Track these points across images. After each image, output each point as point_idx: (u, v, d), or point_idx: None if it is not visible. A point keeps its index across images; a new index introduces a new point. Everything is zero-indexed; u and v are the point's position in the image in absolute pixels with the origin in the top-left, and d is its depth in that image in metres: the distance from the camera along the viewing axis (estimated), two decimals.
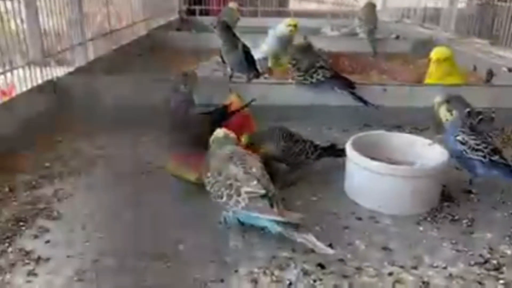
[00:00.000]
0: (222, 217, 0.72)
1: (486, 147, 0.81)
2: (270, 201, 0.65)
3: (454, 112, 0.85)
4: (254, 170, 0.69)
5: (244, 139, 0.86)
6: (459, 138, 0.83)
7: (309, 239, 0.63)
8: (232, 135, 0.78)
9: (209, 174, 0.72)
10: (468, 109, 0.85)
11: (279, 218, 0.64)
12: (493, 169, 0.82)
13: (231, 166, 0.69)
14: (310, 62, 1.20)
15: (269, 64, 1.69)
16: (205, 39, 2.18)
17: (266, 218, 0.65)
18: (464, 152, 0.82)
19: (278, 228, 0.65)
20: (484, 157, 0.81)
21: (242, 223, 0.70)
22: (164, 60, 1.98)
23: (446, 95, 0.88)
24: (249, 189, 0.66)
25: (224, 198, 0.68)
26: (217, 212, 0.75)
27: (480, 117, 0.91)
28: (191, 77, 1.07)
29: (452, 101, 0.86)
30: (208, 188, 0.72)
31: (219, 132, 0.78)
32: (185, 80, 1.06)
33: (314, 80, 1.19)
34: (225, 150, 0.73)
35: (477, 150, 0.81)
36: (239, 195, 0.66)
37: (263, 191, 0.66)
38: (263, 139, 0.87)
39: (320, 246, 0.63)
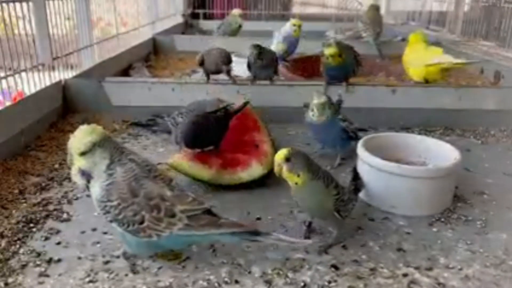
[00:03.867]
0: (123, 250, 0.63)
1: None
2: (212, 213, 0.59)
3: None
4: (175, 183, 0.61)
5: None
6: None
7: (277, 236, 0.58)
8: (100, 129, 0.61)
9: (112, 198, 0.57)
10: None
11: (238, 230, 0.58)
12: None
13: (149, 183, 0.58)
14: None
15: None
16: (209, 42, 2.19)
17: (218, 233, 0.58)
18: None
19: (235, 238, 0.59)
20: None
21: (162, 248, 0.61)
22: (169, 63, 1.98)
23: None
24: (185, 207, 0.58)
25: (146, 223, 0.57)
26: (230, 212, 0.75)
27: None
28: None
29: None
30: (110, 216, 0.58)
31: (92, 129, 0.60)
32: None
33: None
34: (125, 162, 0.60)
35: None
36: (172, 216, 0.57)
37: (205, 206, 0.59)
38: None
39: (291, 240, 0.59)
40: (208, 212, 0.59)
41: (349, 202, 0.69)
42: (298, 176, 0.63)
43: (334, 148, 0.98)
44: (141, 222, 0.57)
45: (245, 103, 0.97)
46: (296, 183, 0.64)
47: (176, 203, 0.58)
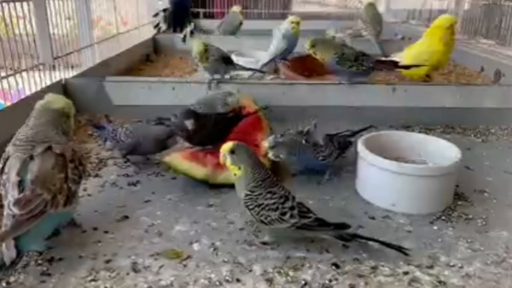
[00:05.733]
0: None
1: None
2: (14, 220, 0.57)
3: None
4: (33, 176, 0.60)
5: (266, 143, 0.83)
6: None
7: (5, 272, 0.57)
8: (55, 105, 0.71)
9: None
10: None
11: None
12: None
13: (15, 162, 0.61)
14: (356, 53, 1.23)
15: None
16: (209, 42, 2.18)
17: None
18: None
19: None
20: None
21: None
22: (169, 63, 1.98)
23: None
24: (9, 200, 0.58)
25: None
26: (231, 211, 0.75)
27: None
28: None
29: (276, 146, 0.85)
30: None
31: (51, 99, 0.71)
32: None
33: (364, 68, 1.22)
34: (27, 135, 0.66)
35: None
36: (6, 198, 0.60)
37: (13, 211, 0.57)
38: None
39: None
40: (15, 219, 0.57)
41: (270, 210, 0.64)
42: (239, 168, 0.66)
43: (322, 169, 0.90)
44: None
45: (263, 107, 0.98)
46: (235, 174, 0.67)
47: (9, 190, 0.59)
